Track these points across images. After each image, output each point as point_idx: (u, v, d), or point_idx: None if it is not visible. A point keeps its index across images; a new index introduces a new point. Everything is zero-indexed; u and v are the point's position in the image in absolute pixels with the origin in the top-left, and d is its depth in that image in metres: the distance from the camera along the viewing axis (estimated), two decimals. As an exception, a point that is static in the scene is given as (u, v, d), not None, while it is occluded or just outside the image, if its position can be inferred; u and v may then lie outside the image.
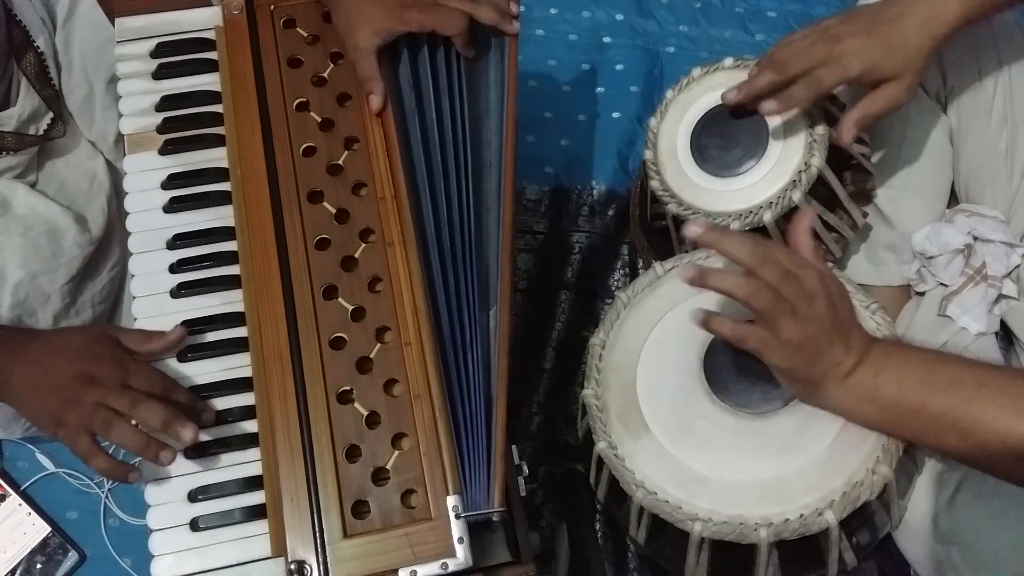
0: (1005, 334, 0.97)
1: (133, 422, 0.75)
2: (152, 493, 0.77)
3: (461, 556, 0.71)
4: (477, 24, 0.86)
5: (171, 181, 0.87)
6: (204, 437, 0.78)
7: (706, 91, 0.97)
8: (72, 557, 1.09)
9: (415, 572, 0.71)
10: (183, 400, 0.78)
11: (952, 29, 0.81)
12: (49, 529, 1.10)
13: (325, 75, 0.89)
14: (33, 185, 1.02)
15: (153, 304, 0.83)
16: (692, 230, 0.72)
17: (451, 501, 0.73)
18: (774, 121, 0.91)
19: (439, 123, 0.86)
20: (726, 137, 0.94)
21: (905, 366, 0.72)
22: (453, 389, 0.77)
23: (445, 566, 0.71)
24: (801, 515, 0.74)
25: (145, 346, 0.80)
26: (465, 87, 0.87)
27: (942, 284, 0.97)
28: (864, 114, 0.85)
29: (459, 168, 0.84)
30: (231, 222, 0.85)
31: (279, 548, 0.74)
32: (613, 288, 1.26)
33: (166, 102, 0.90)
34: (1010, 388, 0.68)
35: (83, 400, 0.75)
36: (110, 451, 0.77)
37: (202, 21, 0.93)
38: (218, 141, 0.89)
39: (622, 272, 1.27)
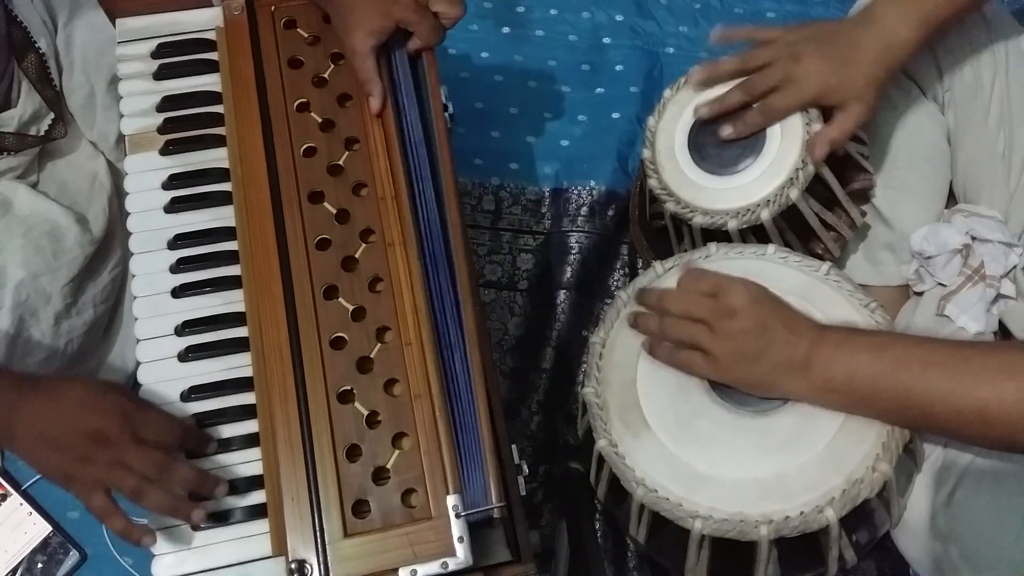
0: (1003, 334, 0.97)
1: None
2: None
3: (461, 555, 0.71)
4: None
5: (172, 181, 0.87)
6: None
7: (704, 91, 0.97)
8: (73, 556, 1.09)
9: (415, 571, 0.71)
10: (193, 442, 0.76)
11: (906, 55, 0.86)
12: (50, 528, 1.10)
13: (325, 76, 0.90)
14: (34, 186, 1.02)
15: (154, 304, 0.83)
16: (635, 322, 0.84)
17: (451, 500, 0.73)
18: (774, 128, 0.91)
19: (402, 123, 0.86)
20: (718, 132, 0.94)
21: (855, 354, 0.74)
22: (452, 388, 0.77)
23: (445, 565, 0.71)
24: (801, 512, 0.74)
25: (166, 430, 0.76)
26: (410, 84, 0.88)
27: (940, 284, 0.98)
28: (828, 138, 0.87)
29: (421, 169, 0.84)
30: (232, 222, 0.86)
31: (280, 547, 0.74)
32: (613, 288, 1.26)
33: (167, 103, 0.90)
34: (957, 364, 0.70)
35: (96, 458, 0.72)
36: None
37: (203, 22, 0.93)
38: (219, 141, 0.89)
39: (622, 272, 1.27)
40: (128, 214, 0.87)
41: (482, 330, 0.79)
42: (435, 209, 0.82)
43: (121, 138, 0.92)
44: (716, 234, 0.92)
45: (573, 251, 1.29)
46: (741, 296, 0.77)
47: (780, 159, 0.91)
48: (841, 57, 0.86)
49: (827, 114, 0.90)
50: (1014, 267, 0.95)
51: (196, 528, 0.75)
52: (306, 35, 0.91)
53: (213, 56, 0.92)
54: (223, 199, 0.87)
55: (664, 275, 0.90)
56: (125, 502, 0.74)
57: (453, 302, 0.79)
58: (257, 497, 0.77)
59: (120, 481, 0.73)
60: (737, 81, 0.91)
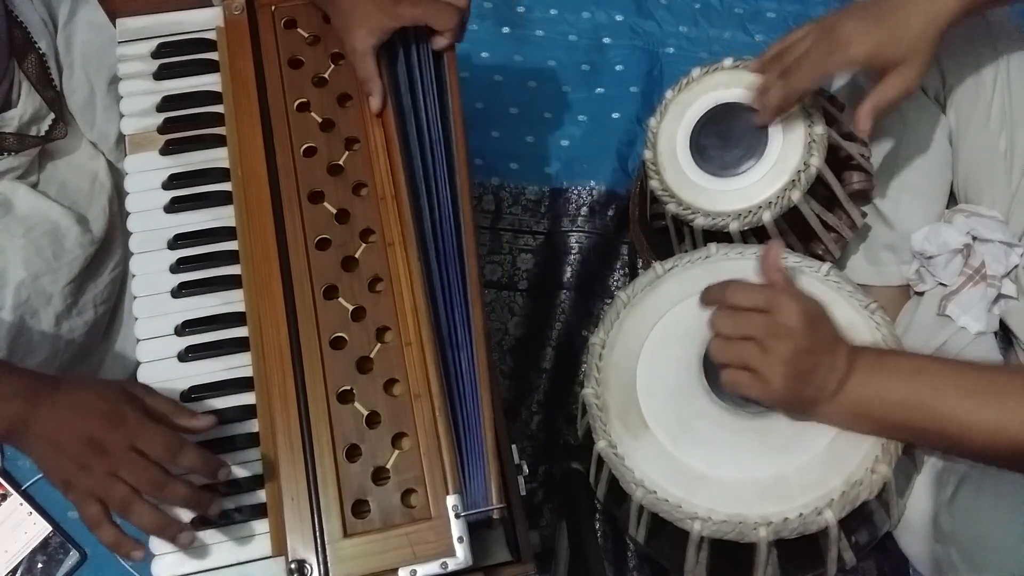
0: (1004, 334, 0.97)
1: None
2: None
3: (461, 555, 0.71)
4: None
5: (172, 181, 0.87)
6: (204, 438, 0.78)
7: (705, 91, 0.97)
8: (73, 556, 1.09)
9: (415, 571, 0.71)
10: (199, 461, 0.73)
11: (954, 15, 0.81)
12: (50, 528, 1.10)
13: (326, 75, 0.89)
14: (35, 186, 1.02)
15: (154, 304, 0.83)
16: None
17: (451, 500, 0.73)
18: (775, 128, 0.91)
19: (418, 124, 0.86)
20: (725, 137, 0.94)
21: (889, 380, 0.73)
22: (452, 388, 0.77)
23: (445, 565, 0.71)
24: (800, 514, 0.74)
25: (172, 417, 0.75)
26: (435, 86, 0.87)
27: (941, 284, 0.98)
28: (878, 102, 0.84)
29: (437, 168, 0.84)
30: (232, 222, 0.86)
31: (279, 547, 0.74)
32: (613, 288, 1.26)
33: (167, 102, 0.90)
34: (989, 390, 0.69)
35: (93, 468, 0.71)
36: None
37: (203, 21, 0.93)
38: (219, 141, 0.89)
39: (622, 272, 1.27)
40: (128, 214, 0.87)
41: (486, 330, 0.79)
42: (450, 209, 0.82)
43: (121, 138, 0.92)
44: (717, 235, 0.93)
45: (573, 251, 1.29)
46: (795, 315, 0.72)
47: (782, 161, 0.91)
48: (885, 19, 0.82)
49: (830, 116, 0.90)
50: (1015, 267, 0.95)
51: (184, 549, 0.74)
52: (306, 35, 0.91)
53: (213, 56, 0.92)
54: (223, 199, 0.87)
55: (664, 275, 0.90)
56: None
57: (463, 302, 0.79)
58: (257, 497, 0.77)
59: (111, 492, 0.71)
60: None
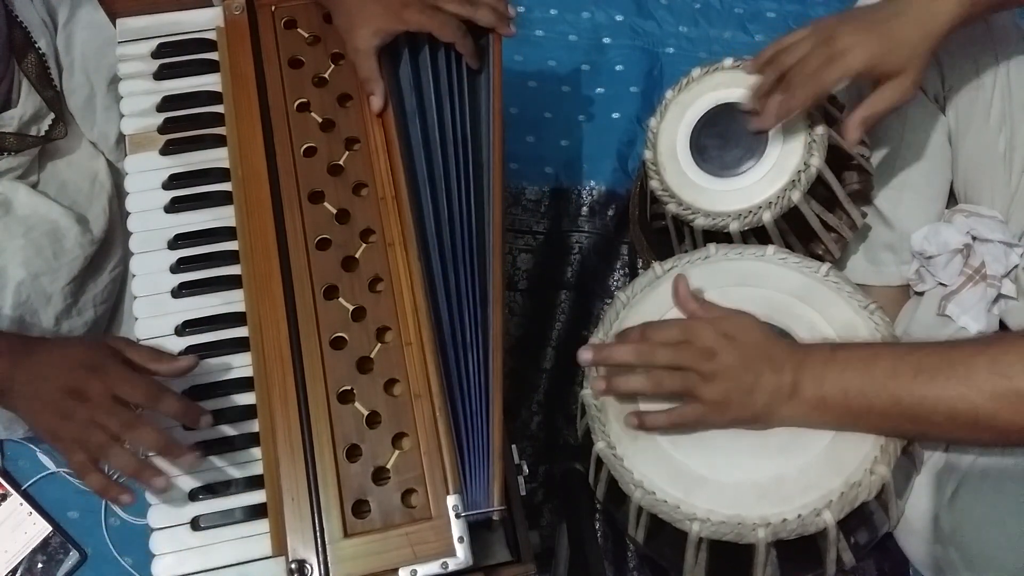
0: (1004, 334, 0.97)
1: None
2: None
3: (461, 555, 0.71)
4: (475, 27, 0.87)
5: (172, 181, 0.87)
6: (204, 437, 0.78)
7: (705, 91, 0.97)
8: (73, 556, 1.09)
9: (415, 571, 0.71)
10: (178, 407, 0.75)
11: (949, 27, 0.82)
12: (50, 528, 1.10)
13: (326, 75, 0.89)
14: (35, 186, 1.02)
15: (154, 304, 0.83)
16: (582, 357, 0.80)
17: (451, 500, 0.73)
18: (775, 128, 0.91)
19: (440, 124, 0.86)
20: (725, 137, 0.94)
21: (844, 371, 0.74)
22: (453, 389, 0.77)
23: (445, 565, 0.71)
24: (799, 515, 0.74)
25: (152, 364, 0.77)
26: (466, 88, 0.87)
27: (941, 284, 0.98)
28: (870, 112, 0.85)
29: (458, 168, 0.84)
30: (232, 222, 0.86)
31: (280, 547, 0.74)
32: (613, 288, 1.26)
33: (167, 102, 0.90)
34: (942, 366, 0.70)
35: (74, 416, 0.73)
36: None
37: (203, 22, 0.93)
38: (219, 141, 0.89)
39: (622, 272, 1.27)
40: (128, 214, 0.87)
41: (505, 333, 0.80)
42: (468, 209, 0.82)
43: (121, 138, 0.92)
44: (717, 235, 0.93)
45: (573, 251, 1.29)
46: (709, 335, 0.76)
47: (782, 161, 0.91)
48: (883, 30, 0.82)
49: (831, 116, 0.90)
50: (1015, 267, 0.95)
51: (158, 494, 0.75)
52: (306, 35, 0.91)
53: (213, 56, 0.92)
54: (223, 199, 0.87)
55: (663, 276, 0.90)
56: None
57: (474, 303, 0.79)
58: (257, 497, 0.77)
59: (90, 438, 0.73)
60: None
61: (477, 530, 0.74)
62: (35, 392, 0.75)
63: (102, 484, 0.74)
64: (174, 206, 0.87)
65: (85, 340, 0.78)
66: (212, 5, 0.93)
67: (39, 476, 1.12)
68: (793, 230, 0.94)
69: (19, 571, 1.08)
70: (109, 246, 1.04)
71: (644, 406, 0.82)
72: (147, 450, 0.75)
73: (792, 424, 0.77)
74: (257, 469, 0.78)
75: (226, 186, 0.87)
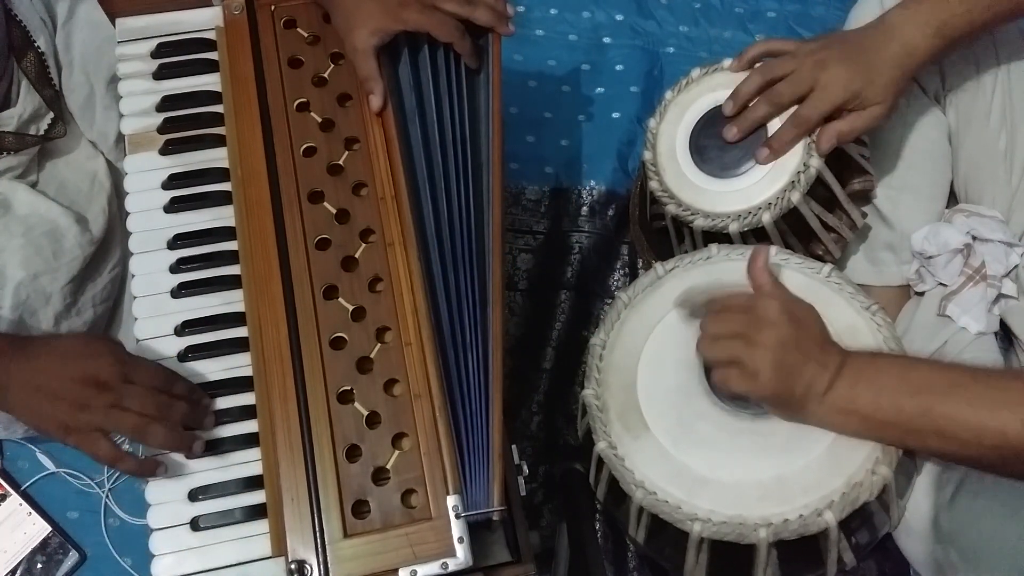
0: (1005, 334, 0.97)
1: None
2: (152, 492, 0.77)
3: (461, 556, 0.71)
4: (474, 27, 0.87)
5: (172, 181, 0.87)
6: (205, 436, 0.79)
7: (705, 92, 0.97)
8: (73, 557, 1.09)
9: (415, 572, 0.71)
10: (185, 391, 0.78)
11: (926, 60, 0.87)
12: (49, 529, 1.10)
13: (325, 75, 0.89)
14: (34, 185, 1.02)
15: (154, 304, 0.83)
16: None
17: (451, 501, 0.73)
18: (773, 123, 0.91)
19: (439, 123, 0.86)
20: (725, 138, 0.94)
21: (879, 376, 0.74)
22: (453, 389, 0.77)
23: (445, 566, 0.71)
24: (800, 515, 0.74)
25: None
26: (464, 87, 0.87)
27: (941, 284, 0.97)
28: (845, 130, 0.88)
29: (457, 168, 0.84)
30: (232, 222, 0.86)
31: (279, 548, 0.74)
32: (613, 288, 1.26)
33: (167, 102, 0.90)
34: (978, 387, 0.70)
35: (94, 404, 0.74)
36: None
37: (203, 21, 0.93)
38: (219, 141, 0.89)
39: (622, 272, 1.27)
40: (128, 214, 0.87)
41: (505, 333, 0.80)
42: (468, 209, 0.82)
43: (121, 138, 0.92)
44: (717, 236, 0.92)
45: (573, 251, 1.29)
46: (774, 308, 0.76)
47: (782, 162, 0.91)
48: (863, 63, 0.86)
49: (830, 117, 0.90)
50: (1015, 267, 0.95)
51: (194, 458, 0.77)
52: (306, 35, 0.91)
53: (213, 56, 0.92)
54: (223, 199, 0.86)
55: (665, 276, 0.90)
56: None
57: (473, 303, 0.79)
58: (257, 497, 0.77)
59: (120, 422, 0.74)
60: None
61: (477, 530, 0.74)
62: (37, 388, 0.75)
63: (137, 465, 0.76)
64: (173, 206, 0.87)
65: (77, 333, 0.78)
66: (211, 5, 0.93)
67: (39, 476, 1.12)
68: (793, 231, 0.94)
69: (19, 571, 1.08)
70: (108, 246, 1.04)
71: (646, 405, 0.82)
72: (183, 421, 0.76)
73: (818, 424, 0.77)
74: (257, 469, 0.78)
75: (226, 186, 0.87)
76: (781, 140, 0.90)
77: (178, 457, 0.78)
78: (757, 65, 0.94)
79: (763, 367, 0.75)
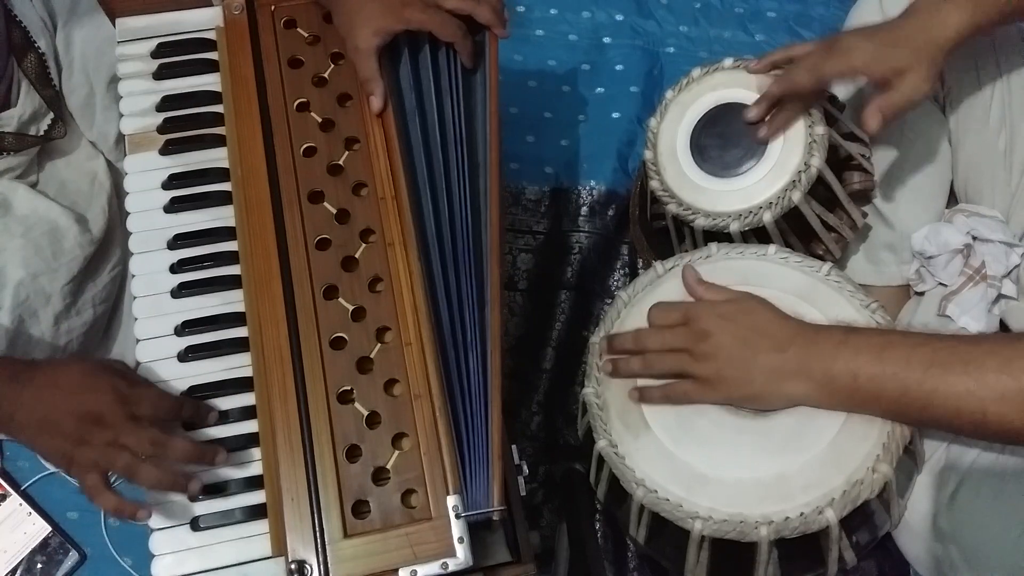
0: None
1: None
2: (153, 492, 0.77)
3: (461, 556, 0.71)
4: (472, 24, 0.87)
5: (172, 181, 0.87)
6: (204, 436, 0.78)
7: (706, 91, 0.97)
8: (72, 557, 1.09)
9: (415, 572, 0.71)
10: (190, 412, 0.77)
11: (956, 36, 0.83)
12: (49, 529, 1.10)
13: (325, 75, 0.89)
14: (34, 185, 1.02)
15: (154, 304, 0.83)
16: (598, 350, 0.86)
17: (451, 501, 0.73)
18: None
19: (439, 123, 0.86)
20: (726, 137, 0.94)
21: (856, 355, 0.74)
22: (453, 389, 0.77)
23: (445, 566, 0.71)
24: (801, 513, 0.74)
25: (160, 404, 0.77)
26: (462, 87, 0.87)
27: (941, 284, 0.98)
28: (887, 103, 0.85)
29: (458, 168, 0.84)
30: (232, 222, 0.86)
31: (279, 548, 0.74)
32: (613, 288, 1.26)
33: (167, 102, 0.90)
34: (954, 361, 0.70)
35: (92, 441, 0.74)
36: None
37: (203, 21, 0.93)
38: (219, 141, 0.89)
39: (622, 272, 1.27)
40: (128, 214, 0.87)
41: (503, 333, 0.80)
42: (467, 209, 0.82)
43: (121, 138, 0.92)
44: (717, 235, 0.93)
45: (573, 251, 1.29)
46: (708, 316, 0.79)
47: (782, 161, 0.91)
48: (885, 32, 0.84)
49: (831, 116, 0.90)
50: (1015, 267, 0.95)
51: (194, 499, 0.76)
52: (306, 35, 0.91)
53: (213, 56, 0.92)
54: (223, 199, 0.86)
55: (664, 275, 0.90)
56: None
57: (473, 303, 0.79)
58: (257, 497, 0.77)
59: (113, 461, 0.73)
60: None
61: (477, 530, 0.74)
62: (44, 418, 0.75)
63: (116, 503, 0.74)
64: (173, 206, 0.87)
65: (82, 361, 0.77)
66: (212, 5, 0.93)
67: (39, 476, 1.12)
68: (793, 230, 0.94)
69: (18, 571, 1.08)
70: (108, 246, 1.04)
71: (646, 406, 0.82)
72: (184, 460, 0.75)
73: (796, 403, 0.77)
74: (257, 469, 0.78)
75: (226, 186, 0.87)
76: (795, 79, 0.87)
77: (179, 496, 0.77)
78: (775, 72, 0.93)
79: (711, 374, 0.78)
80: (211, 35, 0.92)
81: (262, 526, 0.76)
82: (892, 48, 0.83)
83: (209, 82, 0.91)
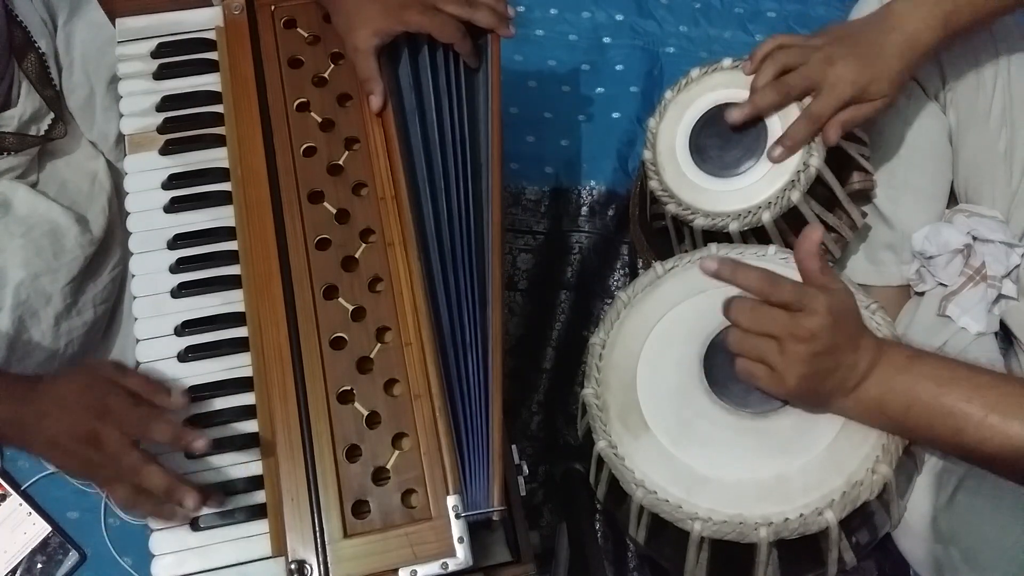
0: (1004, 334, 0.97)
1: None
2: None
3: (461, 556, 0.71)
4: (474, 27, 0.87)
5: (172, 181, 0.87)
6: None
7: (705, 91, 0.97)
8: (72, 557, 1.09)
9: (415, 572, 0.71)
10: (201, 444, 0.74)
11: (928, 51, 0.88)
12: (49, 529, 1.10)
13: (325, 75, 0.89)
14: (34, 186, 1.02)
15: (154, 304, 0.83)
16: (707, 265, 0.74)
17: (451, 501, 0.73)
18: (773, 121, 0.91)
19: (439, 123, 0.86)
20: (725, 137, 0.94)
21: (915, 387, 0.72)
22: (453, 389, 0.77)
23: (445, 566, 0.71)
24: (801, 515, 0.74)
25: (148, 394, 0.77)
26: (464, 87, 0.88)
27: (941, 284, 0.97)
28: (849, 118, 0.88)
29: (457, 168, 0.84)
30: (232, 222, 0.86)
31: (279, 548, 0.74)
32: (613, 288, 1.26)
33: (167, 102, 0.90)
34: (1019, 410, 0.68)
35: (95, 461, 0.73)
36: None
37: (203, 21, 0.93)
38: (219, 141, 0.89)
39: (622, 272, 1.27)
40: (128, 214, 0.87)
41: (504, 333, 0.80)
42: (467, 209, 0.82)
43: (121, 138, 0.92)
44: (717, 235, 0.92)
45: (573, 251, 1.29)
46: (821, 318, 0.70)
47: (782, 161, 0.91)
48: (870, 57, 0.87)
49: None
50: (1015, 267, 0.95)
51: (198, 510, 0.75)
52: (306, 35, 0.91)
53: (213, 56, 0.92)
54: (223, 199, 0.86)
55: (664, 275, 0.90)
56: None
57: (473, 303, 0.79)
58: (257, 497, 0.77)
59: (124, 475, 0.73)
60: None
61: (477, 530, 0.74)
62: (51, 440, 0.74)
63: (153, 510, 0.75)
64: (173, 206, 0.87)
65: (79, 374, 0.76)
66: (211, 5, 0.93)
67: (39, 476, 1.12)
68: (793, 230, 0.94)
69: (19, 571, 1.08)
70: (108, 246, 1.04)
71: (646, 404, 0.82)
72: (158, 488, 0.74)
73: (843, 415, 0.76)
74: (257, 469, 0.78)
75: (226, 186, 0.87)
76: (795, 137, 0.89)
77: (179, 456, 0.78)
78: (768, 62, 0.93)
79: (792, 375, 0.72)
80: (211, 35, 0.92)
81: (262, 526, 0.76)
82: (873, 79, 0.86)
83: (209, 82, 0.91)
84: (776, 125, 0.91)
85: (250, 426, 0.79)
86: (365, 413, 0.76)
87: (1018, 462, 0.68)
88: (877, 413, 0.74)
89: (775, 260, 0.87)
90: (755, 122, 0.92)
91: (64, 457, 0.75)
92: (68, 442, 0.73)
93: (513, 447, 0.79)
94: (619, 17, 1.46)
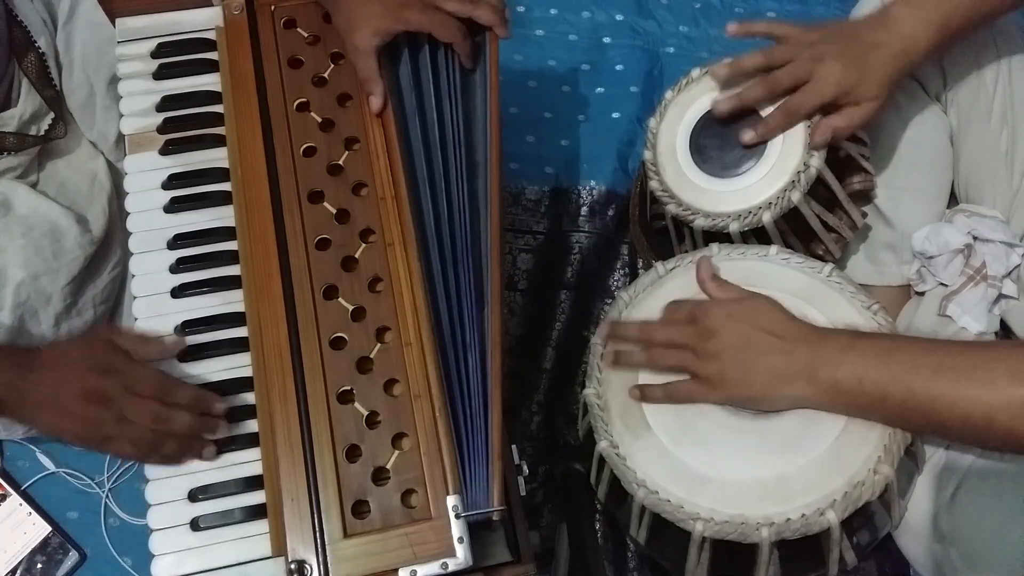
0: (1005, 334, 0.97)
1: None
2: (152, 492, 0.77)
3: (461, 556, 0.71)
4: (472, 25, 0.87)
5: (172, 181, 0.87)
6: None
7: (705, 92, 0.97)
8: (72, 557, 1.09)
9: (415, 572, 0.71)
10: (190, 396, 0.78)
11: (922, 59, 0.87)
12: (49, 529, 1.10)
13: (325, 75, 0.89)
14: (34, 186, 1.02)
15: (154, 304, 0.83)
16: (600, 333, 0.87)
17: (451, 501, 0.73)
18: (766, 110, 0.91)
19: (439, 124, 0.86)
20: (725, 138, 0.94)
21: (862, 359, 0.74)
22: (453, 389, 0.77)
23: (445, 566, 0.71)
24: (802, 515, 0.74)
25: (142, 349, 0.79)
26: (464, 87, 0.87)
27: (942, 284, 0.97)
28: (844, 124, 0.88)
29: (457, 168, 0.84)
30: (232, 222, 0.86)
31: (279, 548, 0.74)
32: (613, 288, 1.26)
33: (167, 102, 0.90)
34: (962, 368, 0.70)
35: (102, 419, 0.75)
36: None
37: (203, 21, 0.93)
38: (219, 141, 0.89)
39: (622, 272, 1.27)
40: (128, 214, 0.87)
41: (503, 333, 0.80)
42: (466, 209, 0.82)
43: (121, 138, 0.92)
44: (717, 236, 0.92)
45: (573, 251, 1.29)
46: (716, 316, 0.79)
47: (782, 162, 0.90)
48: (860, 58, 0.86)
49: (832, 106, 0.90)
50: (1016, 267, 0.95)
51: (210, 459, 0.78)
52: (306, 35, 0.91)
53: (213, 56, 0.92)
54: (223, 199, 0.86)
55: (665, 275, 0.90)
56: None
57: (472, 303, 0.79)
58: (257, 497, 0.77)
59: (129, 434, 0.75)
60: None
61: (477, 530, 0.74)
62: (52, 403, 0.76)
63: (174, 453, 0.77)
64: (173, 206, 0.87)
65: (80, 341, 0.78)
66: (211, 5, 0.93)
67: (39, 476, 1.12)
68: (793, 230, 0.94)
69: (19, 571, 1.08)
70: (108, 246, 1.04)
71: (648, 404, 0.82)
72: (182, 432, 0.76)
73: (799, 406, 0.77)
74: (257, 469, 0.78)
75: (226, 186, 0.87)
76: (768, 125, 0.89)
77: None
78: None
79: (714, 374, 0.78)
80: (211, 35, 0.92)
81: (262, 526, 0.76)
82: (861, 80, 0.86)
83: (209, 82, 0.91)
84: (795, 125, 0.91)
85: (250, 426, 0.79)
86: (365, 413, 0.76)
87: (969, 420, 0.69)
88: (832, 395, 0.75)
89: (776, 260, 0.87)
90: (755, 122, 0.92)
91: (68, 421, 0.76)
92: (71, 403, 0.75)
93: (513, 447, 0.79)
94: (619, 17, 1.46)
